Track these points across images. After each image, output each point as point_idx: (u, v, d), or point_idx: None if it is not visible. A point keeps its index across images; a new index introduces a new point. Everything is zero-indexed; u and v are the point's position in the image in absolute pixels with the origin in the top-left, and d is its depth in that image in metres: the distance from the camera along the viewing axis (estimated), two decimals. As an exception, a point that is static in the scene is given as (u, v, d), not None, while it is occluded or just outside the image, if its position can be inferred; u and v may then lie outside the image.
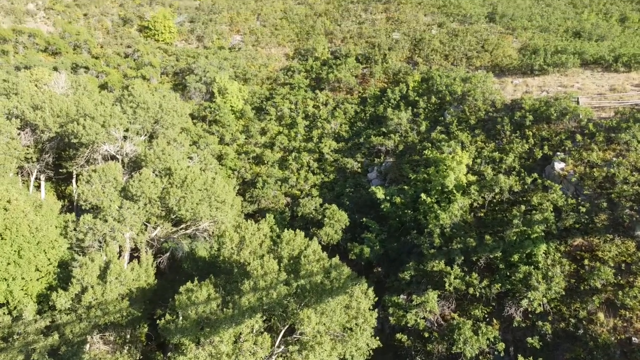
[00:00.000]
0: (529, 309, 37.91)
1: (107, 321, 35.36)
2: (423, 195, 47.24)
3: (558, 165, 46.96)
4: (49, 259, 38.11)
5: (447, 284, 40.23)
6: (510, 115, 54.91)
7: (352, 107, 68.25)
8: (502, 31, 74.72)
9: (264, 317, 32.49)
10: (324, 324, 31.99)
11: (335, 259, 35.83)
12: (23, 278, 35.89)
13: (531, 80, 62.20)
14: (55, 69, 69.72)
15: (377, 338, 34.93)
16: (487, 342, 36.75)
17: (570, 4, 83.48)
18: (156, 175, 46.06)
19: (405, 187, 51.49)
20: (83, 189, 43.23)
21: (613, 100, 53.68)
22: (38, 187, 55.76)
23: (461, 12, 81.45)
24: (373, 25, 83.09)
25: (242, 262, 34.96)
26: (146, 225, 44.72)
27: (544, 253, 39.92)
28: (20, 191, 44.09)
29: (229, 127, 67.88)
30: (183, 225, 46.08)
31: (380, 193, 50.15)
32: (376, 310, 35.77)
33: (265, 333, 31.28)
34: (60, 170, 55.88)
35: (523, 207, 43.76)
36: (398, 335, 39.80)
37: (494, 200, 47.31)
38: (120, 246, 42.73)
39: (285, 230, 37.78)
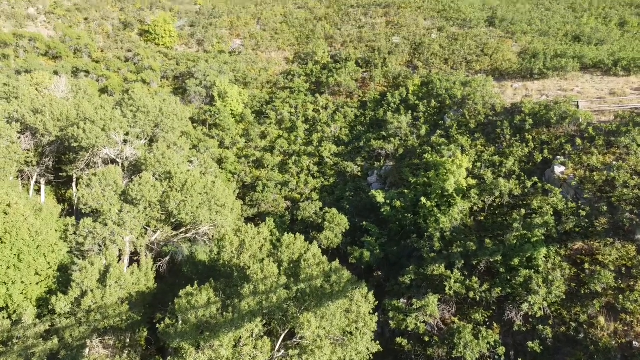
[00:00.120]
0: (530, 313, 37.83)
1: (106, 325, 35.28)
2: (423, 199, 47.26)
3: (558, 169, 46.97)
4: (48, 263, 38.06)
5: (447, 288, 40.16)
6: (510, 119, 54.97)
7: (352, 111, 68.33)
8: (502, 35, 74.92)
9: (264, 321, 32.42)
10: (324, 328, 31.92)
11: (336, 263, 35.80)
12: (23, 282, 35.83)
13: (531, 84, 62.32)
14: (55, 73, 69.87)
15: (378, 342, 34.82)
16: (488, 346, 36.66)
17: (570, 8, 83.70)
18: (156, 179, 46.07)
19: (406, 190, 51.47)
20: (83, 193, 43.24)
21: (613, 104, 53.74)
22: (38, 190, 55.77)
23: (461, 16, 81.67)
24: (373, 29, 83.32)
25: (242, 266, 34.92)
26: (146, 229, 44.68)
27: (544, 257, 39.85)
28: (20, 195, 44.07)
29: (229, 130, 67.95)
30: (183, 229, 46.04)
31: (380, 197, 50.17)
32: (376, 314, 35.66)
33: (265, 337, 31.20)
34: (60, 174, 55.91)
35: (523, 211, 43.74)
36: (398, 340, 39.68)
37: (494, 204, 47.31)
38: (120, 250, 42.71)
39: (286, 234, 37.77)
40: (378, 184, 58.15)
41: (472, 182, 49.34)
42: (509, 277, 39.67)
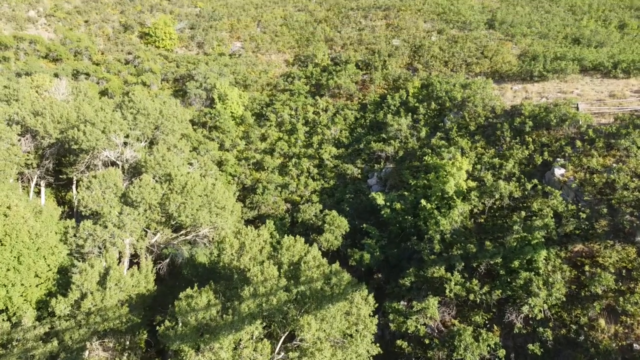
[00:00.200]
0: (530, 315, 37.77)
1: (106, 327, 35.24)
2: (423, 201, 47.25)
3: (558, 171, 46.98)
4: (48, 265, 38.05)
5: (447, 290, 40.12)
6: (510, 122, 55.00)
7: (352, 113, 68.40)
8: (502, 38, 75.04)
9: (264, 324, 32.38)
10: (324, 330, 31.88)
11: (336, 265, 35.76)
12: (22, 284, 35.81)
13: (531, 86, 62.38)
14: (56, 75, 69.94)
15: (378, 344, 34.74)
16: (488, 348, 36.60)
17: (570, 10, 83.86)
18: (156, 181, 46.09)
19: (406, 193, 51.49)
20: (83, 195, 43.24)
21: (612, 106, 53.77)
22: (38, 193, 55.78)
23: (460, 18, 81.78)
24: (373, 31, 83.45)
25: (242, 268, 34.89)
26: (146, 231, 44.67)
27: (544, 259, 39.83)
28: (20, 197, 44.08)
29: (229, 133, 68.01)
30: (183, 231, 46.02)
31: (380, 199, 50.16)
32: (376, 316, 35.58)
33: (265, 339, 31.17)
34: (60, 176, 55.93)
35: (523, 213, 43.74)
36: (398, 342, 39.65)
37: (494, 206, 47.29)
38: (120, 252, 42.68)
39: (286, 236, 37.74)
40: (378, 186, 58.16)
41: (472, 184, 49.33)
42: (509, 280, 39.64)
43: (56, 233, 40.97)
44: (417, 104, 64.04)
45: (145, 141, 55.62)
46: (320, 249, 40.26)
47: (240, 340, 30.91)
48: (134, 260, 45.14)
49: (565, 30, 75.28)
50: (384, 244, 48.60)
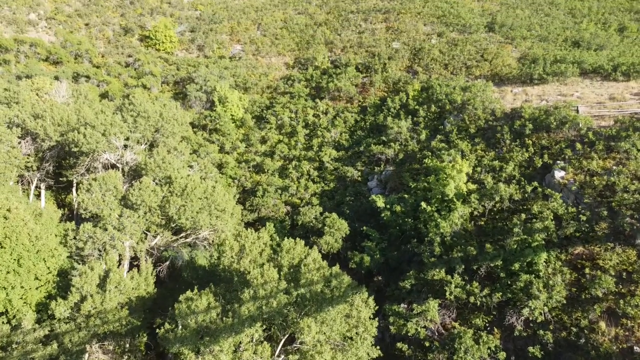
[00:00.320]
0: (530, 318, 37.75)
1: (106, 330, 35.18)
2: (423, 204, 47.23)
3: (558, 174, 46.99)
4: (48, 268, 37.99)
5: (447, 293, 40.09)
6: (510, 124, 55.06)
7: (352, 116, 68.48)
8: (502, 41, 75.12)
9: (264, 326, 32.33)
10: (324, 333, 31.83)
11: (336, 268, 35.75)
12: (22, 287, 35.77)
13: (531, 89, 62.46)
14: (56, 78, 70.02)
15: (378, 347, 34.68)
16: (488, 351, 36.55)
17: (569, 13, 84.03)
18: (156, 183, 46.07)
19: (406, 195, 51.49)
20: (83, 198, 43.23)
21: (612, 109, 53.86)
22: (38, 195, 55.73)
23: (460, 21, 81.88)
24: (373, 34, 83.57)
25: (242, 271, 34.86)
26: (146, 234, 44.64)
27: (544, 262, 39.82)
28: (20, 200, 44.07)
29: (229, 135, 68.05)
30: (183, 234, 45.99)
31: (380, 202, 50.14)
32: (376, 319, 35.58)
33: (265, 342, 31.13)
34: (60, 178, 55.89)
35: (523, 216, 43.73)
36: (399, 345, 39.59)
37: (495, 209, 47.28)
38: (120, 255, 42.62)
39: (286, 238, 37.71)
40: (378, 189, 58.16)
41: (472, 186, 49.31)
42: (509, 282, 39.62)
43: (56, 236, 40.94)
44: (417, 107, 64.10)
45: (146, 144, 55.64)
46: (320, 251, 40.21)
47: (240, 343, 30.86)
48: (134, 262, 45.07)
49: (565, 33, 75.40)
50: (384, 246, 48.56)
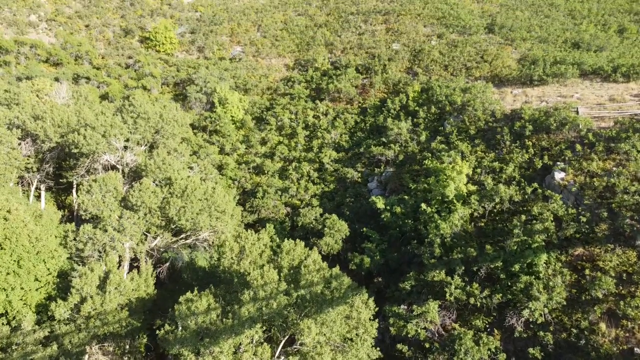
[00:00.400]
0: (530, 319, 37.73)
1: (106, 331, 35.18)
2: (423, 205, 47.24)
3: (558, 175, 47.00)
4: (48, 269, 38.00)
5: (447, 294, 40.08)
6: (510, 125, 55.08)
7: (352, 117, 68.51)
8: (501, 42, 75.17)
9: (264, 328, 32.33)
10: (324, 334, 31.81)
11: (336, 269, 35.74)
12: (22, 288, 35.77)
13: (530, 90, 62.51)
14: (56, 79, 70.07)
15: (378, 348, 34.69)
16: (489, 352, 36.55)
17: (569, 15, 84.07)
18: (156, 185, 46.09)
19: (406, 196, 51.49)
20: (83, 199, 43.24)
21: (612, 110, 53.88)
22: (38, 197, 55.74)
23: (460, 23, 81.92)
24: (373, 36, 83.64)
25: (242, 272, 34.86)
26: (146, 235, 44.65)
27: (544, 263, 39.81)
28: (21, 201, 44.06)
29: (230, 137, 68.06)
30: (183, 235, 45.98)
31: (380, 203, 50.16)
32: (377, 320, 35.55)
33: (265, 343, 31.13)
34: (60, 180, 55.91)
35: (523, 217, 43.72)
36: (399, 346, 39.56)
37: (495, 210, 47.28)
38: (119, 256, 42.60)
39: (286, 240, 37.73)
40: (378, 190, 58.17)
41: (472, 188, 49.34)
42: (509, 283, 39.62)
43: (56, 237, 40.93)
44: (417, 108, 64.13)
45: (146, 145, 55.65)
46: (320, 252, 40.24)
47: (240, 344, 30.85)
48: (134, 264, 45.08)
49: (564, 34, 75.46)
50: (384, 247, 48.55)
